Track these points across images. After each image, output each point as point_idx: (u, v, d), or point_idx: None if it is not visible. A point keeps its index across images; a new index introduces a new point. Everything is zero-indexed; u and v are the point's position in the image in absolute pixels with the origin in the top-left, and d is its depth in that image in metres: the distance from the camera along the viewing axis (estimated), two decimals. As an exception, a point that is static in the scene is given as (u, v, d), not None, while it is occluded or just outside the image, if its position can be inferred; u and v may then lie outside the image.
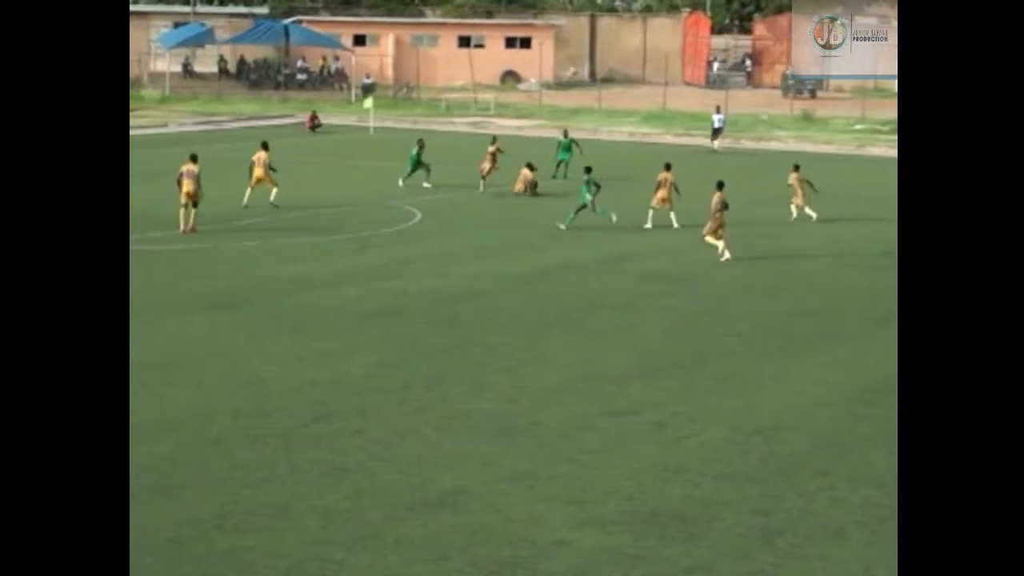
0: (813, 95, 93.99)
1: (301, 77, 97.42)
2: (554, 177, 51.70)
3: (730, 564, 15.86)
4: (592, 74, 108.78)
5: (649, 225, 41.08)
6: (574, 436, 20.57)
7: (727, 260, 35.71)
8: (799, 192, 44.09)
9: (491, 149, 51.11)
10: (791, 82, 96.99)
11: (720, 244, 36.18)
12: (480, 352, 25.69)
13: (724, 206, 36.22)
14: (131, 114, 63.08)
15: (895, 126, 76.44)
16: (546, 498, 17.81)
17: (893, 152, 68.11)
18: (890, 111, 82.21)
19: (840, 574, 15.79)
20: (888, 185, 52.59)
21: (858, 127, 77.70)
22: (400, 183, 50.06)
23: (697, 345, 26.76)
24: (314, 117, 74.31)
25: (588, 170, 41.13)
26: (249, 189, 44.01)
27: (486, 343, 26.43)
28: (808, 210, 43.74)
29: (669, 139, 71.37)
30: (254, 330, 27.12)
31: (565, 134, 54.46)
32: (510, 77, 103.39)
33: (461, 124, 75.42)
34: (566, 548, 16.19)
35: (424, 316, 28.74)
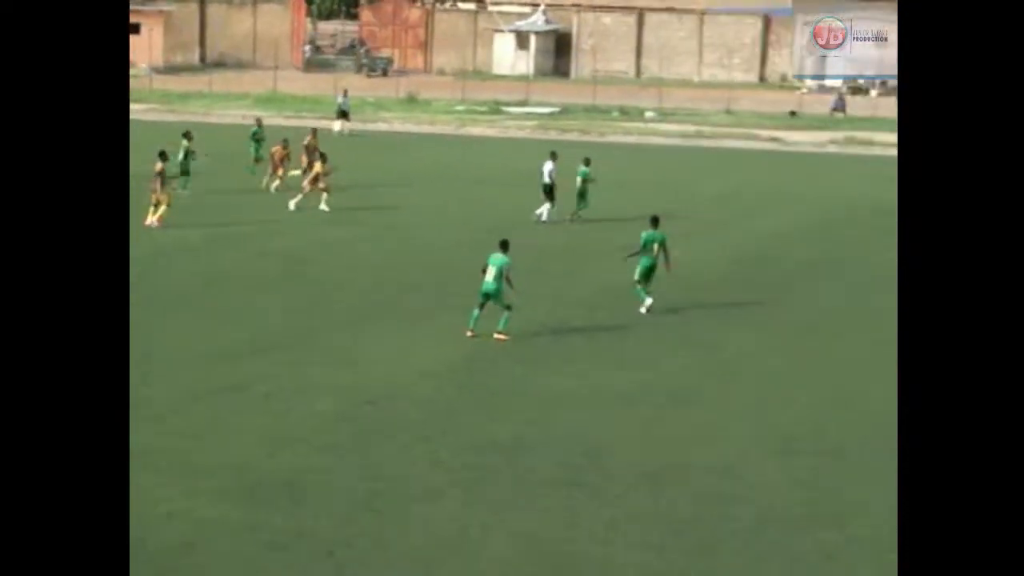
0: (385, 73, 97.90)
1: None
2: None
3: (335, 528, 16.55)
4: (203, 59, 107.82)
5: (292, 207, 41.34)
6: (184, 411, 20.91)
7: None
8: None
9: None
10: (365, 61, 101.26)
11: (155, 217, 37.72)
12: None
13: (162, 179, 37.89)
14: None
15: (494, 106, 79.10)
16: (157, 471, 18.06)
17: (491, 131, 70.54)
18: (488, 93, 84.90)
19: (437, 532, 16.64)
20: (488, 165, 54.55)
21: (459, 108, 79.76)
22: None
23: (311, 321, 27.40)
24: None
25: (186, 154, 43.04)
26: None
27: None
28: (274, 182, 45.10)
29: (280, 121, 71.59)
30: None
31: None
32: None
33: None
34: (177, 520, 16.57)
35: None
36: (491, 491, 18.10)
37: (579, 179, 41.17)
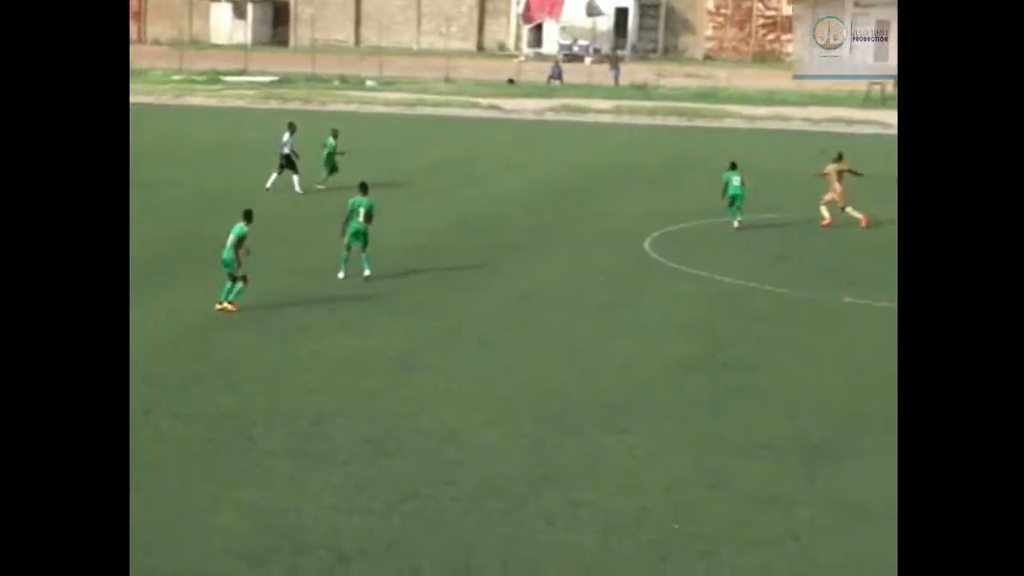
0: None
1: None
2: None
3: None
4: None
5: None
6: None
7: None
8: None
9: None
10: None
11: None
12: None
13: None
14: None
15: (212, 76, 78.59)
16: None
17: (211, 101, 70.10)
18: (203, 63, 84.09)
19: (161, 507, 16.55)
20: (209, 135, 54.01)
21: (176, 78, 78.89)
22: None
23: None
24: None
25: None
26: None
27: None
28: None
29: None
30: None
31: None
32: None
33: None
34: None
35: None
36: (217, 463, 18.10)
37: (324, 149, 41.68)
